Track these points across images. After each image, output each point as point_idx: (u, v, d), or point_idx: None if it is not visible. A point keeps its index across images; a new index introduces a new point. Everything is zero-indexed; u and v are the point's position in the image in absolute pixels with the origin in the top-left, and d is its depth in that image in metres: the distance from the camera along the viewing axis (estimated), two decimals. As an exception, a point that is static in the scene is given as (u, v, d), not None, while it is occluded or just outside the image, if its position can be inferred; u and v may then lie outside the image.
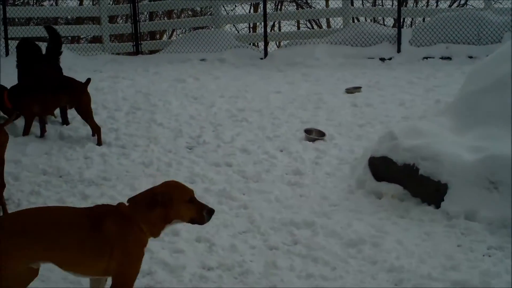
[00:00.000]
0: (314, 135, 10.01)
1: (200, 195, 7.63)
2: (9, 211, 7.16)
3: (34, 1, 26.63)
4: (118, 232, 4.52)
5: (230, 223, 6.93)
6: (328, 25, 26.88)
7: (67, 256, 4.53)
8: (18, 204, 7.47)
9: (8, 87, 9.85)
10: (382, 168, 7.65)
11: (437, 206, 6.94)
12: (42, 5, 26.02)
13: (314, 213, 7.12)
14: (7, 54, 15.76)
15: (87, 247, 4.49)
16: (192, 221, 4.74)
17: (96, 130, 9.69)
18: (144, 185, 7.97)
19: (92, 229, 4.50)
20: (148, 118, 10.90)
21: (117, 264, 4.51)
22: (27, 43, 11.03)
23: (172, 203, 4.61)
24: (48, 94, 9.63)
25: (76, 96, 9.64)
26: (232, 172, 8.58)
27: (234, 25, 27.76)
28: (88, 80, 9.70)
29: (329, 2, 22.78)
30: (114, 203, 4.82)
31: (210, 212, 4.75)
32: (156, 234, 4.70)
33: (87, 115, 9.71)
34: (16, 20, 23.63)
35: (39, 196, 7.68)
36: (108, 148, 9.43)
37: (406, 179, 7.36)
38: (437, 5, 27.63)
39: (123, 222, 4.57)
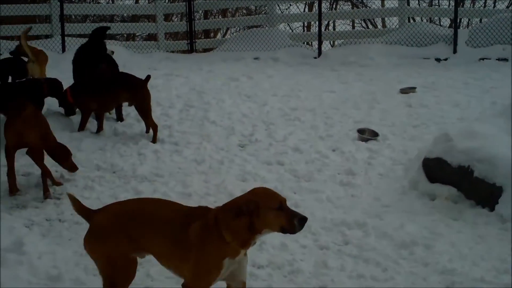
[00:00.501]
0: (367, 135, 9.93)
1: (252, 193, 7.64)
2: (63, 206, 7.29)
3: (91, -1, 27.00)
4: (197, 237, 4.44)
5: (281, 221, 6.90)
6: (384, 25, 26.68)
7: (163, 252, 4.62)
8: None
9: (63, 83, 10.05)
10: (436, 170, 7.55)
11: (491, 209, 6.83)
12: (98, 3, 26.32)
13: (366, 214, 7.06)
14: (63, 50, 15.95)
15: (176, 246, 4.51)
16: (283, 230, 4.38)
17: (153, 127, 9.75)
18: (196, 182, 8.06)
19: (182, 230, 4.49)
20: (201, 116, 10.93)
21: (190, 268, 4.46)
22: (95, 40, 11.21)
23: (259, 212, 4.33)
24: (108, 92, 9.75)
25: (136, 93, 9.71)
26: (284, 171, 8.56)
27: (288, 24, 27.73)
28: (148, 77, 9.77)
29: (385, 2, 22.54)
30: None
31: (303, 220, 4.38)
32: (244, 245, 4.43)
33: (146, 112, 9.77)
34: (73, 17, 23.97)
35: (92, 191, 7.77)
36: (161, 145, 9.48)
37: (461, 181, 7.26)
38: (494, 6, 27.22)
39: (205, 228, 4.45)
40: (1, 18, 20.91)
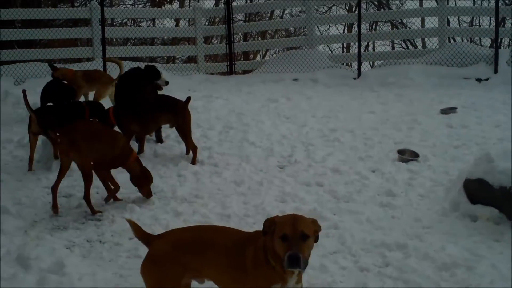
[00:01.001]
0: (407, 156, 9.86)
1: (291, 215, 7.62)
2: (104, 227, 7.35)
3: (132, 22, 27.29)
4: (251, 261, 4.44)
5: (320, 243, 6.85)
6: (424, 45, 26.59)
7: (222, 277, 4.64)
8: (112, 220, 7.63)
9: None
10: (478, 191, 7.45)
11: (534, 231, 6.73)
12: (139, 26, 26.66)
13: (406, 235, 7.00)
14: (104, 71, 16.12)
15: (235, 271, 4.51)
16: (281, 262, 4.29)
17: (192, 149, 9.80)
18: (235, 204, 8.06)
19: (240, 255, 4.50)
20: (241, 137, 10.96)
21: None
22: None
23: (272, 236, 4.34)
24: (150, 114, 9.83)
25: (177, 114, 9.79)
26: (323, 192, 8.53)
27: (327, 45, 27.78)
28: (188, 99, 9.86)
29: (425, 22, 22.44)
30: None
31: (291, 257, 4.18)
32: (281, 268, 4.34)
33: (186, 133, 9.85)
34: (114, 40, 24.29)
35: (133, 212, 7.82)
36: (200, 166, 9.53)
37: (502, 202, 7.15)
38: (536, 26, 26.91)
39: (257, 252, 4.43)
40: (44, 41, 21.31)
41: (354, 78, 16.15)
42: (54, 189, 8.00)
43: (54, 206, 7.93)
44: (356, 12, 17.90)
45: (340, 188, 8.65)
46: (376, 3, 28.13)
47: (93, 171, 7.99)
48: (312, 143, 10.65)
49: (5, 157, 9.98)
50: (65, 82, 11.80)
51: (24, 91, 9.67)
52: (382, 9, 27.13)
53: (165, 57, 26.86)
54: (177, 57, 27.30)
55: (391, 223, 7.47)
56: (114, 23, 26.11)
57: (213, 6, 25.28)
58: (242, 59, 26.73)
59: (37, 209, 7.99)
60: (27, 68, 15.61)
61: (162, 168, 9.41)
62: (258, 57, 30.60)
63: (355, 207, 7.94)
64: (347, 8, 30.82)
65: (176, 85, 15.24)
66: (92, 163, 7.92)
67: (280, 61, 17.65)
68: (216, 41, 28.68)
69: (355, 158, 9.93)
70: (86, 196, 7.90)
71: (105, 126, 8.82)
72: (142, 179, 8.25)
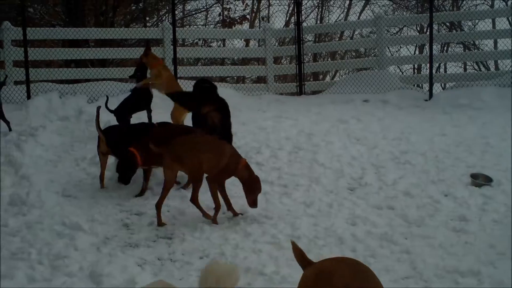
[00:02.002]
0: (480, 180, 9.67)
1: (361, 238, 7.57)
2: (175, 245, 7.40)
3: (203, 42, 27.59)
4: None
5: (392, 268, 6.80)
6: (496, 67, 26.12)
7: None
8: (183, 239, 7.68)
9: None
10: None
11: None
12: (210, 46, 26.91)
13: (480, 262, 6.86)
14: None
15: None
16: None
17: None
18: (305, 225, 8.03)
19: None
20: (310, 158, 10.91)
21: None
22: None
23: None
24: None
25: None
26: (394, 216, 8.44)
27: (398, 66, 27.56)
28: None
29: (498, 44, 22.06)
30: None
31: None
32: None
33: None
34: (185, 60, 24.57)
35: (202, 232, 7.85)
36: (270, 187, 9.51)
37: None
38: None
39: None
40: (116, 61, 21.72)
41: (426, 100, 15.93)
42: (158, 205, 8.25)
43: (159, 223, 8.17)
44: (428, 33, 17.71)
45: (411, 212, 8.54)
46: (448, 24, 27.83)
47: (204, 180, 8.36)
48: (383, 165, 10.54)
49: (78, 174, 10.15)
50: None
51: (98, 108, 9.84)
52: (454, 31, 26.82)
53: (235, 77, 27.04)
54: (246, 77, 27.47)
55: (464, 248, 7.34)
56: (185, 43, 26.42)
57: (283, 27, 25.32)
58: (312, 79, 26.71)
59: (109, 226, 8.11)
60: (100, 87, 15.87)
61: (233, 188, 9.41)
62: (328, 78, 30.57)
63: (427, 232, 7.83)
64: (418, 29, 30.58)
65: (246, 105, 15.33)
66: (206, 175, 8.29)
67: (350, 82, 17.55)
68: (285, 61, 28.77)
69: (427, 181, 9.79)
70: (193, 198, 8.27)
71: (210, 137, 8.92)
72: (253, 186, 8.36)
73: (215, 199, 8.39)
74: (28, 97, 14.74)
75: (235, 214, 8.52)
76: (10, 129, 11.73)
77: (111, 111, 11.46)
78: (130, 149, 9.08)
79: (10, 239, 7.55)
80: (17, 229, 7.85)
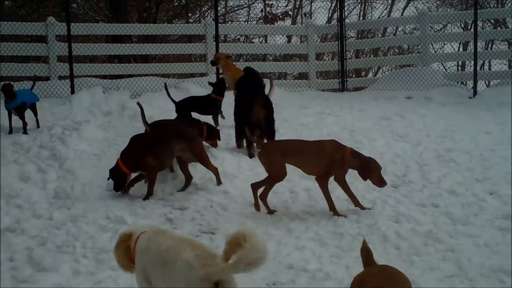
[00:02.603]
0: (526, 178, 9.53)
1: (405, 236, 7.50)
2: (217, 240, 7.40)
3: (244, 38, 27.60)
4: None
5: (437, 266, 6.73)
6: (542, 65, 25.76)
7: None
8: (226, 234, 7.64)
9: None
10: None
11: None
12: (251, 42, 26.90)
13: (526, 261, 6.75)
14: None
15: None
16: None
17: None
18: (348, 222, 8.00)
19: None
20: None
21: None
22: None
23: None
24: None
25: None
26: (439, 214, 8.35)
27: (442, 63, 27.26)
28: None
29: (544, 41, 21.78)
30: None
31: None
32: None
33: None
34: (228, 56, 24.61)
35: (245, 226, 7.83)
36: (313, 183, 9.43)
37: None
38: None
39: None
40: (159, 56, 21.85)
41: (470, 97, 15.72)
42: (262, 198, 8.53)
43: (269, 211, 8.49)
44: (472, 30, 17.51)
45: (456, 210, 8.43)
46: (492, 21, 27.47)
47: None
48: (426, 163, 10.43)
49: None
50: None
51: (139, 104, 9.87)
52: (499, 28, 26.46)
53: (277, 73, 27.01)
54: (288, 73, 27.42)
55: (510, 247, 7.22)
56: (227, 39, 26.46)
57: (326, 23, 25.24)
58: (354, 76, 26.58)
59: (152, 221, 8.11)
60: (143, 82, 15.97)
61: (276, 185, 9.38)
62: (370, 74, 30.39)
63: (472, 230, 7.73)
64: (462, 26, 30.23)
65: (288, 101, 15.29)
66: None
67: (393, 78, 17.41)
68: (327, 57, 28.66)
69: (471, 179, 9.67)
70: (263, 195, 8.49)
71: (312, 141, 9.02)
72: (369, 168, 8.38)
73: (327, 199, 8.44)
74: (72, 91, 14.87)
75: (362, 208, 8.51)
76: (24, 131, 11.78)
77: (174, 101, 11.79)
78: (118, 159, 9.23)
79: (55, 232, 7.62)
80: (62, 222, 7.93)
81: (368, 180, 8.48)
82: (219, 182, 9.46)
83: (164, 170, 9.63)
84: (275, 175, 8.47)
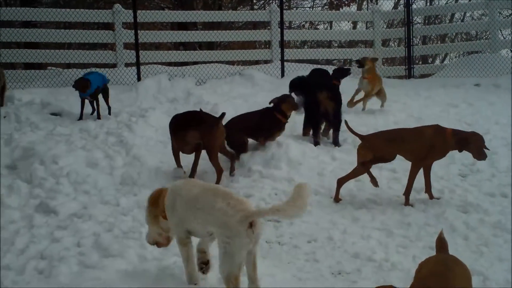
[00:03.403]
0: None
1: (474, 226, 7.38)
2: (282, 228, 7.38)
3: (309, 25, 27.46)
4: None
5: (506, 257, 6.59)
6: None
7: None
8: (291, 222, 7.65)
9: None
10: None
11: None
12: (316, 29, 26.77)
13: None
14: (282, 75, 16.30)
15: None
16: None
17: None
18: (414, 211, 7.88)
19: None
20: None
21: None
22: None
23: None
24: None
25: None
26: (508, 204, 8.16)
27: (511, 50, 26.67)
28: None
29: None
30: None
31: None
32: None
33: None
34: (291, 43, 24.53)
35: (311, 216, 7.81)
36: (379, 171, 9.31)
37: None
38: None
39: None
40: (223, 43, 21.90)
41: (540, 84, 15.33)
42: (340, 182, 8.55)
43: (336, 199, 8.45)
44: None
45: (526, 200, 8.23)
46: None
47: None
48: (495, 151, 10.16)
49: (186, 156, 10.22)
50: None
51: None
52: None
53: (342, 60, 26.83)
54: (353, 60, 27.21)
55: None
56: (292, 26, 26.38)
57: (392, 9, 24.91)
58: (420, 62, 26.21)
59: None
60: (208, 69, 16.05)
61: (341, 172, 9.30)
62: (437, 61, 29.93)
63: (545, 222, 7.53)
64: (532, 11, 29.49)
65: (352, 88, 15.16)
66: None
67: (461, 65, 17.14)
68: (393, 44, 28.33)
69: (543, 169, 9.42)
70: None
71: (408, 129, 8.95)
72: (470, 143, 8.11)
73: (409, 184, 8.35)
74: (139, 79, 15.04)
75: (431, 197, 8.41)
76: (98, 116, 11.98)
77: None
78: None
79: (122, 218, 7.70)
80: (129, 209, 8.00)
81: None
82: (217, 182, 9.12)
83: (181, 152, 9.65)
84: (365, 167, 8.44)
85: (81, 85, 11.67)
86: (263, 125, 10.11)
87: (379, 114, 12.60)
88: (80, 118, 11.79)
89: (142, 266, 6.42)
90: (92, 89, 11.72)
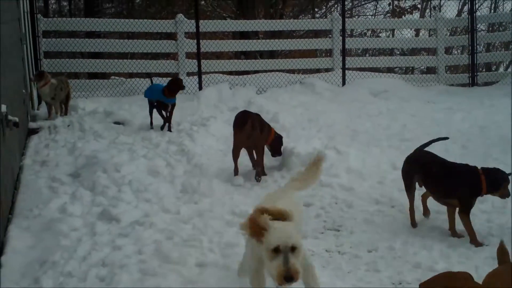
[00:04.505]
0: None
1: None
2: (343, 238, 7.34)
3: (371, 32, 27.34)
4: None
5: None
6: None
7: None
8: (351, 231, 7.61)
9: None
10: None
11: None
12: (378, 37, 26.61)
13: None
14: (343, 84, 16.24)
15: None
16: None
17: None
18: (478, 222, 7.74)
19: None
20: (483, 152, 10.49)
21: None
22: None
23: None
24: None
25: None
26: None
27: None
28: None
29: None
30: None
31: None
32: None
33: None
34: (353, 51, 24.44)
35: (371, 225, 7.75)
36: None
37: None
38: None
39: None
40: (284, 52, 21.92)
41: None
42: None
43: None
44: None
45: None
46: None
47: None
48: None
49: (247, 164, 10.24)
50: None
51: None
52: None
53: (403, 68, 26.58)
54: (415, 67, 26.94)
55: None
56: (354, 34, 26.27)
57: (455, 16, 24.61)
58: (484, 70, 25.80)
59: (277, 217, 8.13)
60: (269, 78, 16.09)
61: (401, 181, 9.19)
62: (501, 69, 29.40)
63: None
64: None
65: (414, 96, 15.04)
66: None
67: (526, 73, 16.81)
68: (456, 51, 27.95)
69: None
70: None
71: None
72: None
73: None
74: (200, 88, 15.18)
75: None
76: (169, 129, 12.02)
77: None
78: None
79: (182, 226, 7.73)
80: (189, 217, 8.04)
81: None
82: (257, 178, 9.62)
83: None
84: None
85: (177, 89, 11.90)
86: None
87: (441, 123, 12.42)
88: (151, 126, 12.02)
89: (201, 274, 6.44)
90: (175, 98, 11.91)
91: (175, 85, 11.83)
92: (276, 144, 10.13)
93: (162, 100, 11.79)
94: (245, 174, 9.73)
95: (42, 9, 24.69)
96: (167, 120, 11.88)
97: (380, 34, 27.88)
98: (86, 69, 16.69)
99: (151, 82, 12.70)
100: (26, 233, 7.33)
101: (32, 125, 12.02)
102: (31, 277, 6.28)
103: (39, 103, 14.01)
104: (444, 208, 8.00)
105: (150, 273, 6.38)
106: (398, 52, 25.50)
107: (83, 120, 12.19)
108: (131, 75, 18.77)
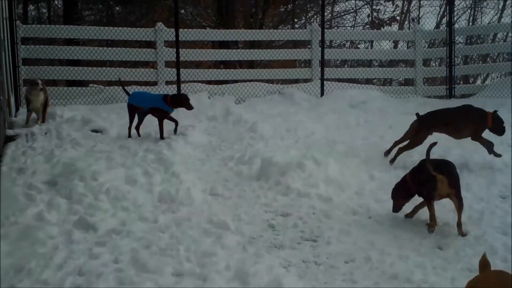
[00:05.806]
0: None
1: (515, 249, 7.27)
2: (320, 248, 7.35)
3: (350, 44, 27.47)
4: None
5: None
6: None
7: None
8: (328, 242, 7.63)
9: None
10: None
11: None
12: (357, 48, 26.74)
13: None
14: (321, 94, 16.27)
15: None
16: None
17: None
18: (453, 234, 7.79)
19: None
20: (461, 164, 10.54)
21: None
22: None
23: None
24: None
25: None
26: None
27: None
28: None
29: None
30: None
31: None
32: None
33: None
34: (332, 61, 24.54)
35: (349, 235, 7.78)
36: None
37: None
38: None
39: None
40: (264, 62, 21.95)
41: None
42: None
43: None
44: None
45: None
46: None
47: None
48: (538, 173, 10.04)
49: (226, 174, 10.27)
50: None
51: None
52: None
53: (382, 79, 26.74)
54: (393, 79, 27.10)
55: None
56: (333, 45, 26.38)
57: (434, 28, 24.78)
58: (462, 82, 26.00)
59: (255, 226, 8.12)
60: (247, 88, 16.10)
61: (379, 192, 9.24)
62: (479, 81, 29.66)
63: None
64: None
65: (392, 107, 15.10)
66: None
67: (503, 85, 16.94)
68: (434, 63, 28.16)
69: None
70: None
71: None
72: None
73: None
74: (178, 97, 15.14)
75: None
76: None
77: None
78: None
79: (159, 235, 7.71)
80: (166, 226, 8.02)
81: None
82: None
83: None
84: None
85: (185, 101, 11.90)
86: None
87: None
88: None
89: (178, 283, 6.43)
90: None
91: (179, 101, 11.87)
92: None
93: (163, 108, 11.82)
94: (223, 184, 9.72)
95: (21, 15, 24.55)
96: (175, 122, 11.99)
97: (359, 46, 28.02)
98: (64, 76, 16.57)
99: (124, 89, 12.58)
100: (2, 241, 7.27)
101: (9, 132, 11.92)
102: (7, 284, 6.24)
103: (17, 110, 13.91)
104: (419, 220, 8.08)
105: (126, 282, 6.35)
106: (377, 64, 25.71)
107: (61, 127, 12.12)
108: (109, 83, 18.70)
